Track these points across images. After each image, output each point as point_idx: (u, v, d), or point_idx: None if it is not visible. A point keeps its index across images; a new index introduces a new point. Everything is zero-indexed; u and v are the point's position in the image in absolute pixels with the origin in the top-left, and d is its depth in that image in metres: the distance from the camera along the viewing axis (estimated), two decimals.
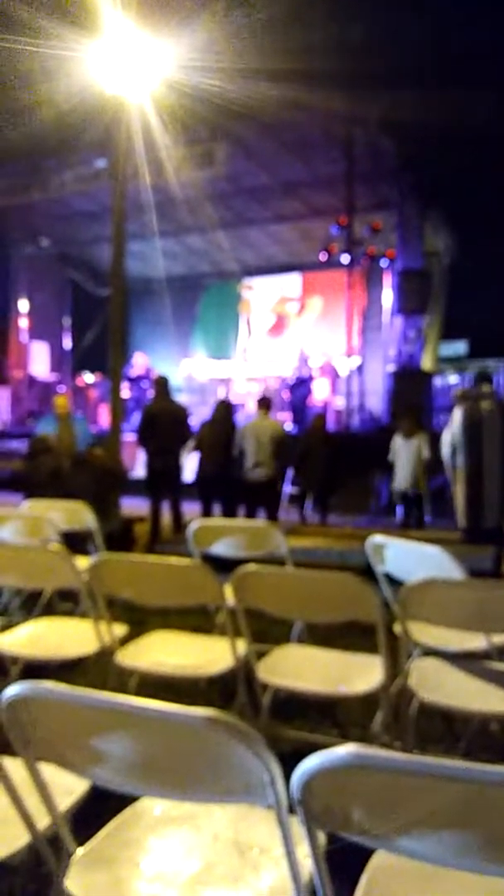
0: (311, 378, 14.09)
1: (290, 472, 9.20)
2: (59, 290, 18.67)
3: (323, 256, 14.58)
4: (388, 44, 9.65)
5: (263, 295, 18.06)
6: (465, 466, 6.63)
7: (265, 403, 8.54)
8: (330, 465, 8.97)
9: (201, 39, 8.67)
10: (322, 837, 1.27)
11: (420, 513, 8.80)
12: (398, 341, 13.42)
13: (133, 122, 8.74)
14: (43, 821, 1.57)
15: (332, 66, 9.43)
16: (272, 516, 8.34)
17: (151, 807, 1.77)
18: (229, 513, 8.23)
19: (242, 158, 12.29)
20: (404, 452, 8.67)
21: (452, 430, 6.75)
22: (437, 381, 14.55)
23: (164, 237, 14.81)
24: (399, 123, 10.91)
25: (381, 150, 12.17)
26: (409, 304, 12.80)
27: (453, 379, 15.60)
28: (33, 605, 4.23)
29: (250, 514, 8.26)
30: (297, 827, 1.24)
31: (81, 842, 1.61)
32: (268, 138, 11.80)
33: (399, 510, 9.14)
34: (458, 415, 6.68)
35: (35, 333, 17.79)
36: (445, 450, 6.83)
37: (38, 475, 6.79)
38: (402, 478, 8.69)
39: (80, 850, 1.58)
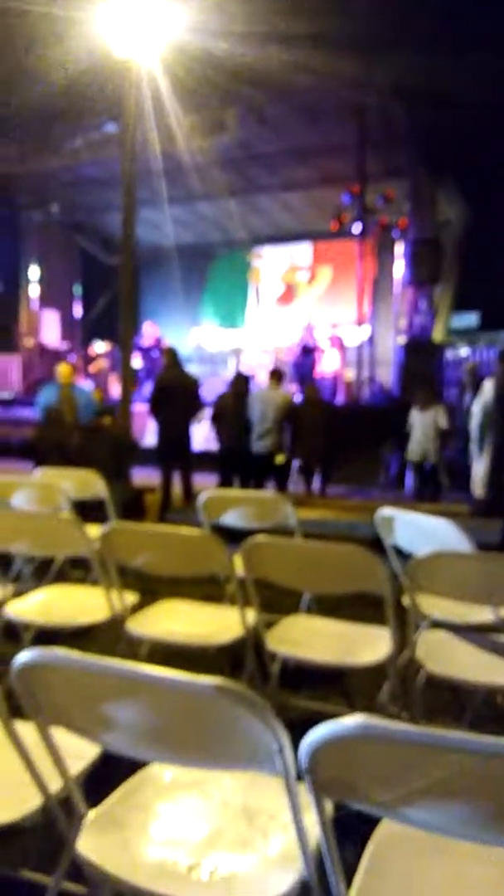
0: (316, 349, 13.98)
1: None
2: (69, 258, 18.54)
3: (334, 226, 14.42)
4: (400, 8, 9.44)
5: (273, 264, 17.91)
6: (492, 438, 6.63)
7: (277, 375, 8.51)
8: (328, 435, 8.78)
9: (211, 3, 8.51)
10: (329, 805, 1.29)
11: (437, 484, 8.78)
12: (409, 312, 13.30)
13: (143, 86, 8.63)
14: (55, 784, 1.60)
15: (344, 31, 9.25)
16: (281, 487, 8.35)
17: (162, 772, 1.80)
18: (245, 486, 8.22)
19: (254, 124, 12.12)
20: (419, 424, 8.64)
21: (485, 401, 6.71)
22: (449, 354, 14.40)
23: (175, 205, 14.64)
24: (411, 89, 10.72)
25: (393, 117, 11.98)
26: (421, 275, 12.67)
27: (464, 351, 15.44)
28: (45, 572, 4.26)
29: (259, 486, 8.26)
30: (304, 794, 1.26)
31: (93, 805, 1.64)
32: (279, 104, 11.62)
33: (408, 482, 9.12)
34: (489, 387, 6.66)
35: (45, 301, 17.72)
36: (475, 421, 6.80)
37: (43, 445, 6.85)
38: (417, 450, 8.67)
39: (91, 813, 1.62)
